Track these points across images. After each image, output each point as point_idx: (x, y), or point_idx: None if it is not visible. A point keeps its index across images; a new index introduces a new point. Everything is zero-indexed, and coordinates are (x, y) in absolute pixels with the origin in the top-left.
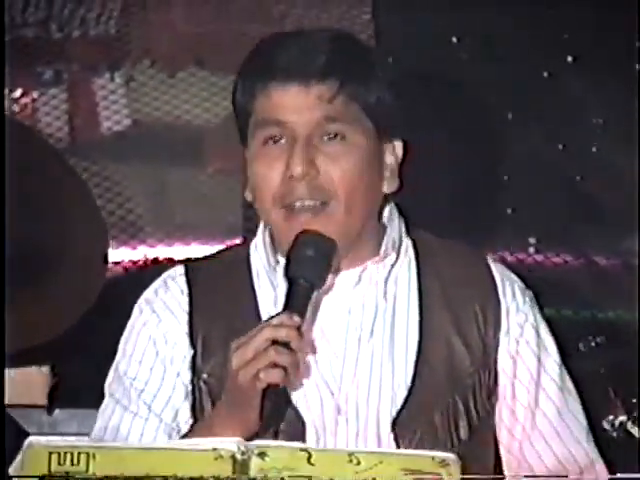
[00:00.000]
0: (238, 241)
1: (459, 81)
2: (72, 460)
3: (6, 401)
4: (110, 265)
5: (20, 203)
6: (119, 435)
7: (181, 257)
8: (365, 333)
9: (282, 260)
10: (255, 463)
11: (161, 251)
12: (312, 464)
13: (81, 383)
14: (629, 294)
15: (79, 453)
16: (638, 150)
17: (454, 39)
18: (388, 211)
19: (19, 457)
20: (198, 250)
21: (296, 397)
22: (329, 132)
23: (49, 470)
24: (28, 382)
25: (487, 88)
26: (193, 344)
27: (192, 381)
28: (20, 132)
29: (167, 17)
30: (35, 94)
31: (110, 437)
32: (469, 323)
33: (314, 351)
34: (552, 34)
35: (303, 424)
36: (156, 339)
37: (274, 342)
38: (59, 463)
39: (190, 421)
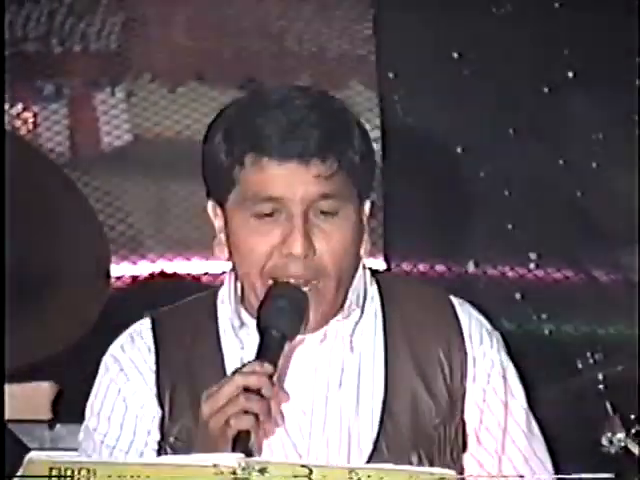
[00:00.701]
0: None
1: (460, 96)
2: (72, 475)
3: (8, 416)
4: (112, 280)
5: (21, 219)
6: None
7: (183, 271)
8: (332, 390)
9: (248, 321)
10: (256, 479)
11: (162, 266)
12: None
13: (83, 399)
14: (629, 310)
15: (80, 469)
16: (638, 166)
17: (455, 55)
18: None
19: (20, 472)
20: (198, 265)
21: (264, 457)
22: (323, 209)
23: None
24: (30, 397)
25: (488, 103)
26: (161, 404)
27: (160, 443)
28: (20, 147)
29: (168, 32)
30: (36, 109)
31: None
32: (434, 372)
33: (287, 401)
34: (553, 50)
35: None
36: (125, 395)
37: (245, 389)
38: (59, 478)
39: None
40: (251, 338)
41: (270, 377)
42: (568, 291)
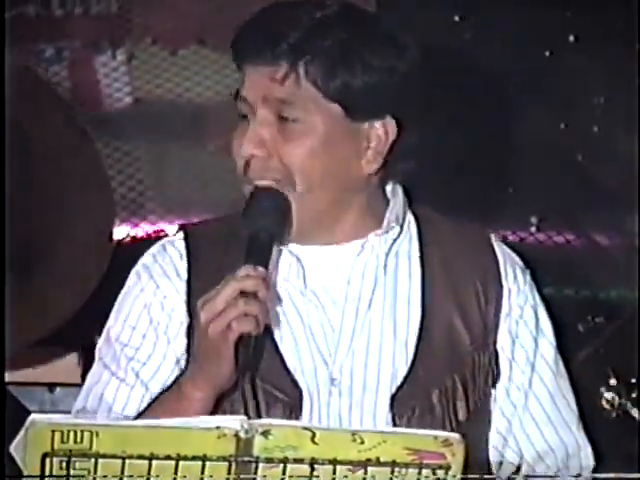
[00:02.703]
0: None
1: (460, 60)
2: (75, 438)
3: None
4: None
5: (29, 182)
6: (103, 401)
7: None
8: (363, 304)
9: None
10: (259, 442)
11: (163, 228)
12: (316, 443)
13: (84, 362)
14: (630, 274)
15: (82, 431)
16: (639, 130)
17: (456, 18)
18: (391, 187)
19: (21, 435)
20: None
21: (291, 365)
22: (283, 114)
23: (52, 448)
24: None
25: (488, 68)
26: (190, 312)
27: (188, 349)
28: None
29: None
30: (37, 71)
31: (94, 402)
32: (470, 302)
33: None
34: (554, 13)
35: (300, 392)
36: (151, 306)
37: (242, 293)
38: (62, 441)
39: None
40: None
41: (264, 280)
42: (569, 255)
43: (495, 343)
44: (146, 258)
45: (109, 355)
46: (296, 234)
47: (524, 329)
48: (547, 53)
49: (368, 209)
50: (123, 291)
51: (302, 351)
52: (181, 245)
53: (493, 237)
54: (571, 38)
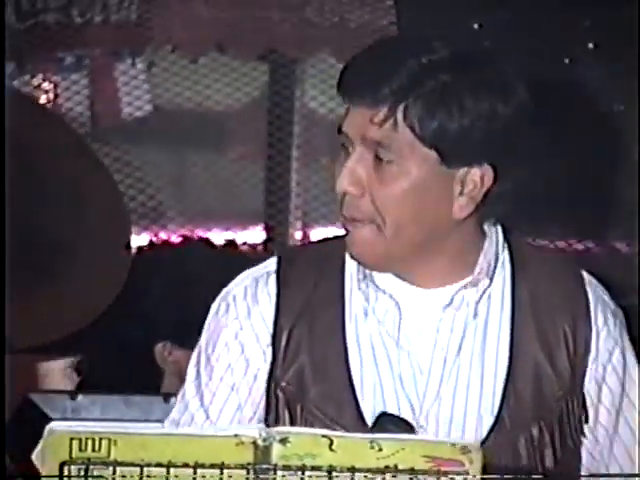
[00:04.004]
0: (259, 227)
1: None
2: (93, 446)
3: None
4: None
5: (42, 189)
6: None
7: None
8: (452, 352)
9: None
10: (277, 449)
11: (183, 235)
12: (334, 450)
13: (105, 370)
14: None
15: (100, 439)
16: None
17: (475, 25)
18: (487, 228)
19: (41, 442)
20: (219, 236)
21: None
22: (379, 156)
23: (70, 456)
24: (55, 373)
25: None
26: (274, 350)
27: (268, 389)
28: (41, 117)
29: (188, 3)
30: (56, 80)
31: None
32: (558, 346)
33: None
34: (573, 21)
35: None
36: (232, 349)
37: None
38: (80, 449)
39: None
40: (376, 291)
41: None
42: (589, 262)
43: (582, 387)
44: (237, 289)
45: (194, 385)
46: (359, 259)
47: (612, 374)
48: (567, 60)
49: (461, 253)
50: (212, 313)
51: (389, 399)
52: (272, 281)
53: (586, 276)
54: (590, 45)
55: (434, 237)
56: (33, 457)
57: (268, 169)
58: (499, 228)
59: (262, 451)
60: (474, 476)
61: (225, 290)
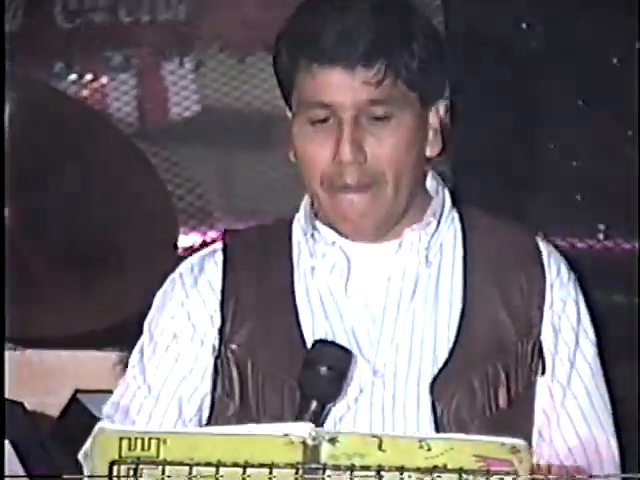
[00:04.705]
0: None
1: (528, 67)
2: (143, 445)
3: (78, 386)
4: (180, 251)
5: (90, 188)
6: (128, 415)
7: None
8: (405, 299)
9: (321, 229)
10: (326, 449)
11: None
12: (383, 450)
13: None
14: None
15: (150, 438)
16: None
17: (524, 25)
18: (431, 181)
19: (89, 442)
20: None
21: None
22: (375, 115)
23: (119, 456)
24: (98, 367)
25: (556, 74)
26: (223, 316)
27: (219, 351)
28: (89, 117)
29: (236, 2)
30: (104, 79)
31: (120, 415)
32: (514, 293)
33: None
34: (621, 21)
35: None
36: (178, 317)
37: None
38: (129, 448)
39: (208, 395)
40: (322, 245)
41: None
42: (637, 262)
43: (539, 334)
44: (184, 266)
45: (137, 366)
46: (358, 232)
47: (566, 323)
48: (615, 60)
49: (412, 205)
50: (156, 297)
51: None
52: (219, 256)
53: (538, 237)
54: (638, 45)
55: (417, 187)
56: (79, 456)
57: None
58: (446, 189)
59: (311, 450)
60: (523, 476)
61: (171, 274)
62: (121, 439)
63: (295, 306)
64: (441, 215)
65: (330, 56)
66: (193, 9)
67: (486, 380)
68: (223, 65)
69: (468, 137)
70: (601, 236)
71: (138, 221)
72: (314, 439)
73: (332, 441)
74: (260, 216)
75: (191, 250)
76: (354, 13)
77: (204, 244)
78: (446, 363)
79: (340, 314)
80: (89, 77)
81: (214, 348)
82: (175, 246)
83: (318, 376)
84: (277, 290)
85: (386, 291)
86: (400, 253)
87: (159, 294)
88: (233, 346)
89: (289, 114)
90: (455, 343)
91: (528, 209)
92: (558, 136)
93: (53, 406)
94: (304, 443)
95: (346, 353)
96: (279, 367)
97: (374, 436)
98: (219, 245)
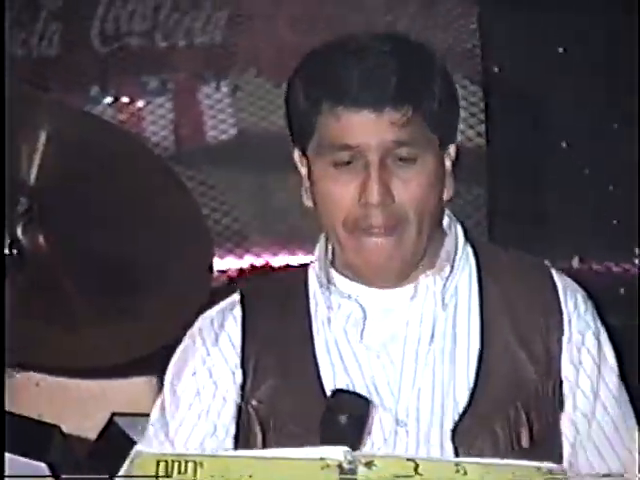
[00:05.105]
0: None
1: (564, 90)
2: (179, 468)
3: (113, 409)
4: (215, 274)
5: (125, 212)
6: None
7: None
8: (423, 344)
9: (337, 279)
10: (362, 472)
11: (267, 260)
12: (419, 474)
13: None
14: None
15: (186, 461)
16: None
17: (560, 50)
18: (446, 221)
19: (126, 465)
20: (302, 259)
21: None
22: (401, 156)
23: (156, 478)
24: (136, 391)
25: (593, 98)
26: (244, 372)
27: (241, 407)
28: (125, 140)
29: (273, 27)
30: (141, 103)
31: None
32: (532, 331)
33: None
34: None
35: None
36: (200, 375)
37: None
38: (167, 471)
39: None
40: (338, 297)
41: None
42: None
43: (560, 370)
44: (202, 321)
45: (159, 422)
46: (382, 276)
47: (586, 356)
48: None
49: (429, 246)
50: (178, 351)
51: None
52: (238, 311)
53: (553, 269)
54: None
55: (436, 228)
56: None
57: None
58: (459, 226)
59: (347, 474)
60: None
61: (190, 329)
62: (158, 462)
63: (315, 359)
64: (455, 255)
65: (357, 98)
66: (229, 34)
67: (508, 422)
68: (259, 89)
69: (503, 158)
70: (637, 260)
71: (173, 245)
72: (350, 462)
73: (368, 465)
74: (295, 240)
75: (226, 273)
76: (374, 55)
77: (240, 269)
78: (467, 408)
79: (359, 364)
80: (125, 101)
81: (236, 404)
82: (210, 269)
83: (338, 425)
84: (296, 343)
85: (404, 338)
86: (416, 298)
87: (179, 350)
88: (254, 402)
89: (297, 156)
90: (475, 386)
91: (565, 234)
92: (594, 161)
93: (90, 429)
94: (340, 467)
95: (365, 400)
96: (301, 422)
97: (410, 460)
98: (237, 297)
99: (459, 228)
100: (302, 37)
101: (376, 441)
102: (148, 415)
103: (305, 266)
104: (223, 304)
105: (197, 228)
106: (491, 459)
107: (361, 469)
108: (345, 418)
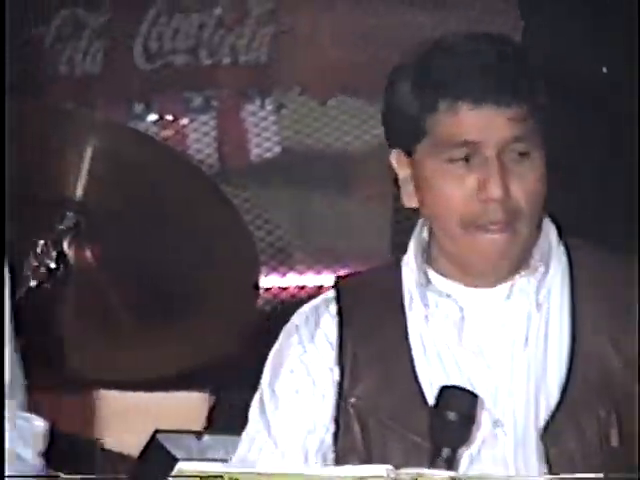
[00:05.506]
0: None
1: (606, 110)
2: None
3: (163, 426)
4: (260, 292)
5: (171, 229)
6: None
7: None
8: (518, 345)
9: (435, 279)
10: None
11: (310, 278)
12: None
13: (230, 410)
14: None
15: (230, 479)
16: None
17: (604, 69)
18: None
19: None
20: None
21: None
22: (517, 151)
23: None
24: (185, 407)
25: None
26: (341, 370)
27: (338, 406)
28: (170, 158)
29: (317, 45)
30: (185, 120)
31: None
32: (624, 332)
33: None
34: None
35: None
36: (298, 372)
37: None
38: None
39: (331, 449)
40: (436, 296)
41: None
42: None
43: None
44: (299, 318)
45: (260, 420)
46: (496, 272)
47: None
48: None
49: None
50: (274, 350)
51: None
52: (333, 307)
53: None
54: None
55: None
56: None
57: (395, 210)
58: (552, 224)
59: None
60: None
61: (286, 326)
62: (200, 479)
63: (411, 356)
64: (549, 257)
65: (478, 95)
66: (274, 52)
67: (598, 422)
68: (304, 107)
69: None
70: None
71: (220, 262)
72: None
73: None
74: (339, 257)
75: (270, 291)
76: (489, 52)
77: (282, 287)
78: (557, 408)
79: (457, 364)
80: (169, 118)
81: (334, 402)
82: (257, 287)
83: (447, 422)
84: (392, 340)
85: (500, 338)
86: (511, 299)
87: (275, 348)
88: (353, 400)
89: (395, 158)
90: (565, 387)
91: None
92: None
93: (132, 445)
94: None
95: (472, 396)
96: (399, 419)
97: (453, 478)
98: (332, 294)
99: (552, 226)
100: (345, 55)
101: (473, 442)
102: (191, 432)
103: (397, 262)
104: (318, 300)
105: (244, 245)
106: (535, 476)
107: None
108: (454, 415)
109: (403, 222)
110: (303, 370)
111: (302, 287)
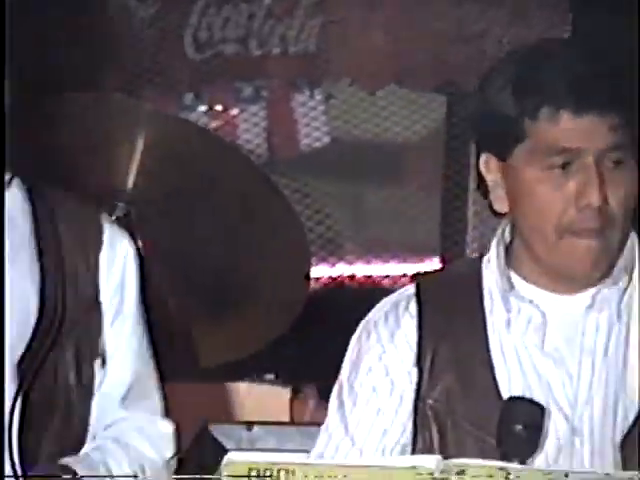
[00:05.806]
0: (435, 259)
1: None
2: (271, 476)
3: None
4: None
5: (223, 220)
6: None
7: (380, 274)
8: (599, 355)
9: (518, 284)
10: None
11: (360, 268)
12: None
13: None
14: None
15: (279, 469)
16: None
17: None
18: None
19: (219, 472)
20: (395, 268)
21: None
22: (614, 159)
23: None
24: (229, 397)
25: None
26: (420, 371)
27: (416, 407)
28: (222, 149)
29: (367, 35)
30: (235, 110)
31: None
32: None
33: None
34: None
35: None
36: (376, 371)
37: None
38: (258, 478)
39: (408, 449)
40: (519, 301)
41: None
42: None
43: None
44: (378, 314)
45: (337, 416)
46: (588, 279)
47: None
48: None
49: None
50: (353, 342)
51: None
52: (413, 305)
53: None
54: None
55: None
56: None
57: (444, 201)
58: (635, 235)
59: None
60: None
61: (365, 319)
62: (250, 469)
63: (490, 360)
64: (632, 269)
65: (582, 103)
66: (323, 42)
67: None
68: (353, 97)
69: None
70: None
71: (271, 252)
72: (442, 471)
73: (460, 474)
74: (389, 247)
75: (320, 282)
76: (586, 60)
77: (333, 279)
78: (636, 420)
79: (536, 370)
80: (219, 108)
81: (412, 403)
82: (307, 277)
83: (514, 434)
84: (471, 343)
85: (581, 347)
86: (593, 308)
87: (353, 341)
88: (430, 401)
89: (484, 162)
90: None
91: None
92: None
93: (183, 436)
94: (432, 475)
95: (539, 408)
96: (477, 423)
97: (502, 469)
98: (411, 291)
99: (635, 237)
100: (395, 44)
101: (550, 449)
102: (242, 423)
103: (476, 262)
104: (398, 297)
105: (294, 235)
106: (582, 469)
107: (453, 478)
108: (520, 427)
109: (452, 213)
110: (382, 370)
111: (352, 277)
